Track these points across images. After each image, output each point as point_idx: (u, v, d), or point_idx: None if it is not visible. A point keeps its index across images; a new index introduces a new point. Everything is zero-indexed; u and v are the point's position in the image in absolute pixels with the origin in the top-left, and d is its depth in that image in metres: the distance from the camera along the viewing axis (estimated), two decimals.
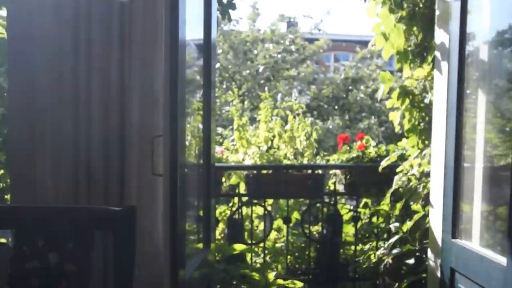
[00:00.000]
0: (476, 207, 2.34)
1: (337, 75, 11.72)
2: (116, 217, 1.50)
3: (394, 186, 3.03)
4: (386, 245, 2.78)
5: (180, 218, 1.79)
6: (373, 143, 3.73)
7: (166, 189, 1.73)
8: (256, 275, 2.46)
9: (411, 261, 2.86)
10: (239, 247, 2.55)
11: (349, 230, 3.84)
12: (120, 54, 1.98)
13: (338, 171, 3.71)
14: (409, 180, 3.03)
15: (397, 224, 2.79)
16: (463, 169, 2.42)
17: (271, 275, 2.51)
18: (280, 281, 2.49)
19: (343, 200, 3.91)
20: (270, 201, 3.95)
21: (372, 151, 3.60)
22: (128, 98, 1.96)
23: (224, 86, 10.75)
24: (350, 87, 11.27)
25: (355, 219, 3.55)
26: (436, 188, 2.63)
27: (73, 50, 1.86)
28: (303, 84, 10.92)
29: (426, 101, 3.09)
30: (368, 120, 10.97)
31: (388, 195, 3.06)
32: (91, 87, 1.86)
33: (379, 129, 11.28)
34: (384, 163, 3.15)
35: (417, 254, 2.87)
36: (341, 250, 3.68)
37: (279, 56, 10.91)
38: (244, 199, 3.53)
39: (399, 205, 2.98)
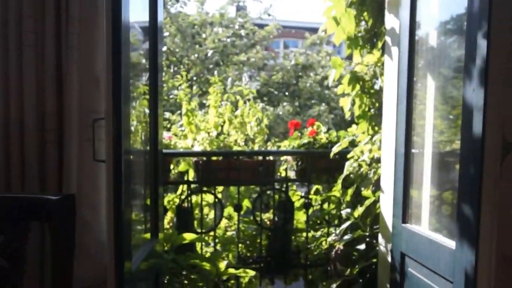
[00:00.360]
0: (425, 192, 2.35)
1: (287, 61, 11.69)
2: (53, 207, 1.38)
3: (345, 172, 3.02)
4: (337, 231, 2.77)
5: (125, 207, 1.68)
6: (323, 129, 3.71)
7: (109, 176, 1.62)
8: (206, 265, 2.39)
9: (362, 246, 2.86)
10: (188, 236, 2.46)
11: (300, 217, 3.82)
12: (56, 31, 1.84)
13: (289, 158, 3.68)
14: (360, 166, 3.02)
15: (348, 210, 2.78)
16: (413, 155, 2.43)
17: (222, 264, 2.44)
18: (231, 270, 2.42)
19: (294, 187, 3.89)
20: (220, 188, 3.88)
21: (323, 137, 3.58)
22: (66, 79, 1.82)
23: (172, 71, 10.52)
24: (300, 74, 11.27)
25: (306, 205, 3.53)
26: (387, 174, 2.63)
27: (1, 25, 1.71)
28: (253, 69, 10.83)
29: (377, 87, 3.09)
30: (318, 107, 11.04)
31: (339, 181, 3.05)
32: (22, 66, 1.72)
33: (329, 116, 11.38)
34: (335, 149, 3.14)
35: (368, 239, 2.88)
36: (293, 237, 3.65)
37: (228, 40, 10.76)
38: (194, 186, 3.44)
39: (350, 191, 2.97)
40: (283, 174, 3.54)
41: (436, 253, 2.00)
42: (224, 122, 3.52)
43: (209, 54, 10.31)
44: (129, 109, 1.86)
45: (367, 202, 2.70)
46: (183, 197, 3.38)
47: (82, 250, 1.98)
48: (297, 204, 3.71)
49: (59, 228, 1.36)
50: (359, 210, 2.72)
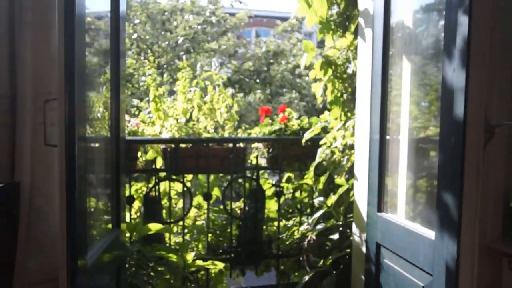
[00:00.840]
0: (401, 180, 2.26)
1: (258, 48, 11.48)
2: None
3: (318, 159, 2.91)
4: (309, 220, 2.66)
5: (79, 196, 1.53)
6: (295, 115, 3.60)
7: (61, 162, 1.46)
8: (173, 257, 2.25)
9: (335, 236, 2.76)
10: (154, 226, 2.32)
11: (272, 206, 3.71)
12: (9, 5, 1.67)
13: (260, 145, 3.56)
14: (333, 153, 2.92)
15: (321, 198, 2.67)
16: (388, 141, 2.33)
17: (190, 256, 2.31)
18: (199, 262, 2.29)
19: (265, 175, 3.77)
20: (189, 177, 3.73)
21: (294, 124, 3.46)
22: (19, 57, 1.65)
23: (142, 58, 10.23)
24: (272, 61, 11.09)
25: (278, 194, 3.42)
26: (360, 161, 2.53)
27: None
28: (224, 57, 10.59)
29: (349, 71, 2.98)
30: (289, 94, 10.90)
31: (311, 168, 2.93)
32: None
33: (301, 104, 11.27)
34: (307, 135, 3.03)
35: (341, 229, 2.78)
36: (264, 227, 3.54)
37: (199, 27, 10.48)
38: (163, 175, 3.29)
39: (322, 179, 2.86)
40: (254, 162, 3.41)
41: (414, 243, 1.91)
42: (192, 108, 3.36)
43: (179, 41, 10.04)
44: (85, 92, 1.70)
45: (340, 190, 2.60)
46: (150, 185, 3.22)
47: (36, 243, 1.82)
48: (268, 192, 3.59)
49: (1, 218, 1.21)
50: (332, 198, 2.62)
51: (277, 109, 3.68)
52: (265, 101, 10.41)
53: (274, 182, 3.72)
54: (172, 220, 3.32)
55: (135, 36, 10.30)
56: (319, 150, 2.92)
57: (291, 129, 3.44)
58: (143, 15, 10.49)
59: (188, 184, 3.74)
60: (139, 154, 3.42)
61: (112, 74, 2.14)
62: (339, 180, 2.79)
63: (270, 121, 3.57)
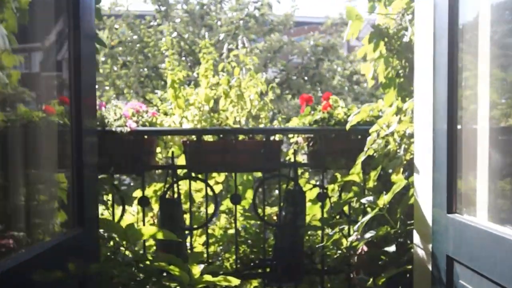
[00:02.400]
0: (481, 173, 1.67)
1: (305, 42, 10.82)
2: None
3: (367, 151, 2.34)
4: (356, 226, 2.09)
5: None
6: (342, 103, 3.04)
7: None
8: (175, 269, 1.75)
9: (392, 248, 2.19)
10: (148, 231, 1.82)
11: (314, 211, 3.17)
12: None
13: (299, 138, 3.02)
14: (386, 142, 2.35)
15: (370, 198, 2.10)
16: (460, 131, 1.76)
17: (196, 269, 1.80)
18: (208, 278, 1.78)
19: (306, 175, 3.22)
20: (221, 177, 3.25)
21: (340, 112, 2.90)
22: None
23: (184, 58, 9.87)
24: (321, 56, 10.41)
25: (321, 196, 2.88)
26: (422, 152, 1.96)
27: None
28: (269, 54, 10.02)
29: (406, 39, 2.41)
30: (343, 97, 10.15)
31: (358, 161, 2.36)
32: None
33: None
34: (352, 119, 2.46)
35: (399, 238, 2.20)
36: (306, 236, 3.00)
37: (241, 22, 9.96)
38: (182, 173, 2.82)
39: (373, 175, 2.30)
40: (292, 159, 2.88)
41: (505, 257, 1.32)
42: (216, 95, 2.88)
43: (221, 38, 9.57)
44: None
45: (396, 188, 2.02)
46: (168, 185, 2.75)
47: None
48: (309, 195, 3.06)
49: None
50: (385, 198, 2.05)
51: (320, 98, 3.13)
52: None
53: (317, 183, 3.18)
54: (194, 226, 2.85)
55: (175, 34, 9.97)
56: (369, 139, 2.36)
57: (336, 119, 2.88)
58: (181, 10, 10.13)
59: (219, 186, 3.27)
60: (158, 149, 2.98)
61: (71, 44, 1.68)
62: (395, 176, 2.22)
63: (312, 112, 3.02)
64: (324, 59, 10.15)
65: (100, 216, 2.75)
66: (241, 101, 2.91)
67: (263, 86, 3.03)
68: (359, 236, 2.32)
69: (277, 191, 2.97)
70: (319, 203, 3.01)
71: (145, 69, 10.21)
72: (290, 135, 3.08)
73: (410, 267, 2.10)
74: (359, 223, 2.06)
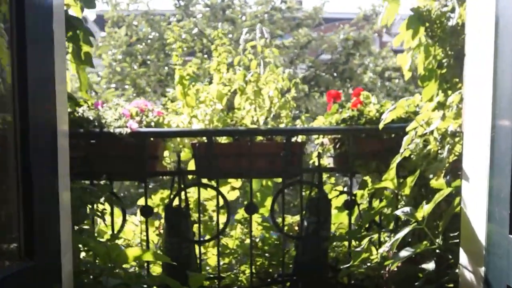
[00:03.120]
0: None
1: (335, 36, 10.34)
2: None
3: (403, 152, 2.03)
4: (389, 243, 1.78)
5: None
6: (374, 99, 2.72)
7: None
8: None
9: (430, 266, 1.88)
10: (133, 252, 1.54)
11: (341, 219, 2.86)
12: None
13: (325, 140, 2.72)
14: (426, 142, 2.03)
15: (406, 209, 1.79)
16: None
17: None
18: None
19: (332, 180, 2.91)
20: (238, 182, 2.97)
21: (372, 110, 2.59)
22: None
23: (206, 56, 9.56)
24: (352, 51, 9.93)
25: (349, 204, 2.57)
26: (473, 154, 1.65)
27: None
28: (296, 50, 9.59)
29: (452, 23, 2.09)
30: (375, 94, 9.66)
31: (393, 165, 2.05)
32: None
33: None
34: (386, 117, 2.15)
35: (440, 255, 1.88)
36: (331, 248, 2.70)
37: (266, 16, 9.53)
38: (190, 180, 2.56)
39: (410, 181, 1.98)
40: (316, 163, 2.58)
41: None
42: (229, 92, 2.59)
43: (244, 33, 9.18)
44: None
45: (438, 197, 1.71)
46: (174, 193, 2.48)
47: None
48: (335, 202, 2.75)
49: None
50: (425, 209, 1.73)
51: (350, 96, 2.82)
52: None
53: (344, 189, 2.87)
54: (206, 238, 2.58)
55: (195, 31, 9.69)
56: (405, 139, 2.04)
57: (368, 117, 2.57)
58: (203, 4, 9.81)
59: (235, 192, 2.99)
60: (167, 153, 2.72)
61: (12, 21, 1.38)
62: (436, 182, 1.90)
63: (339, 110, 2.71)
64: (355, 54, 9.70)
65: (99, 227, 2.53)
66: (258, 98, 2.62)
67: (285, 82, 2.74)
68: (390, 253, 2.01)
69: (299, 199, 2.67)
70: (346, 211, 2.71)
71: (166, 68, 9.95)
72: (315, 136, 2.79)
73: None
74: (393, 239, 1.75)
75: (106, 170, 2.39)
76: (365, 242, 2.15)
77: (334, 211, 2.85)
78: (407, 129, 2.10)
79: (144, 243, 2.50)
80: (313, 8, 10.26)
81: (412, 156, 2.04)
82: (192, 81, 2.66)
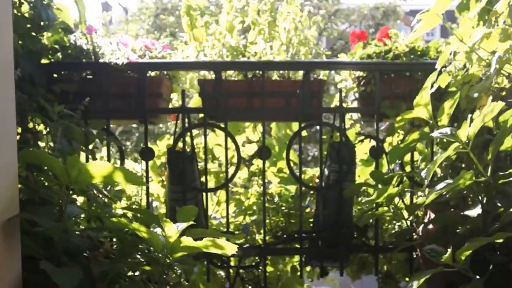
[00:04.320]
0: None
1: (364, 4, 9.63)
2: None
3: (439, 71, 1.60)
4: (424, 171, 1.37)
5: None
6: (403, 36, 2.29)
7: None
8: (142, 230, 1.13)
9: (475, 211, 1.46)
10: (100, 168, 1.16)
11: (368, 175, 2.45)
12: None
13: (348, 82, 2.31)
14: (468, 59, 1.59)
15: (446, 129, 1.36)
16: None
17: (171, 229, 1.15)
18: (187, 242, 1.13)
19: (357, 127, 2.49)
20: (254, 135, 2.60)
21: (401, 45, 2.17)
22: None
23: None
24: (381, 22, 9.23)
25: (376, 151, 2.16)
26: None
27: None
28: (324, 20, 8.89)
29: None
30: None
31: (428, 83, 1.62)
32: None
33: None
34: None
35: (489, 199, 1.46)
36: (356, 206, 2.31)
37: None
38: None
39: (448, 106, 1.55)
40: (337, 103, 2.18)
41: None
42: (241, 23, 2.21)
43: None
44: None
45: (487, 112, 1.28)
46: (177, 135, 2.13)
47: None
48: (361, 152, 2.34)
49: None
50: (471, 127, 1.30)
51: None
52: None
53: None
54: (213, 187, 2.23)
55: None
56: (440, 57, 1.61)
57: (397, 52, 2.15)
58: None
59: (252, 146, 2.63)
60: (174, 96, 2.37)
61: None
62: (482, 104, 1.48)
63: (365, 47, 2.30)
64: (385, 24, 9.07)
65: None
66: (273, 30, 2.24)
67: (304, 18, 2.34)
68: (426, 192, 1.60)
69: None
70: (373, 164, 2.31)
71: None
72: (337, 79, 2.39)
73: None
74: (429, 165, 1.33)
75: (101, 107, 2.06)
76: (395, 180, 1.73)
77: (358, 164, 2.47)
78: (443, 48, 1.68)
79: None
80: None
81: (451, 77, 1.61)
82: (200, 13, 2.30)
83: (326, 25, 8.30)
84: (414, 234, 1.99)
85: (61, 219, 1.19)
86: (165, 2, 9.86)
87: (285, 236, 2.25)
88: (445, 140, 1.95)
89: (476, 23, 1.67)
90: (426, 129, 1.67)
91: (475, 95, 1.41)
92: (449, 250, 1.24)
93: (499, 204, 1.49)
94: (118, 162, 2.15)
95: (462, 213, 1.54)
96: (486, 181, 1.33)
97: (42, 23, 1.98)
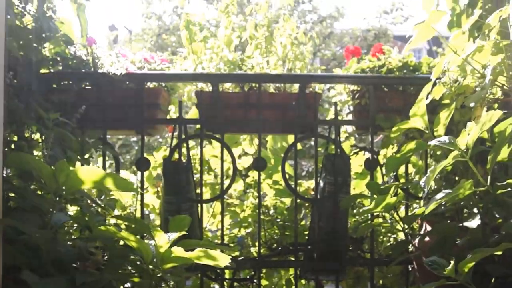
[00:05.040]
0: None
1: (357, 27, 9.61)
2: None
3: (434, 81, 1.51)
4: (423, 180, 1.27)
5: None
6: (396, 52, 2.22)
7: None
8: (131, 239, 1.02)
9: (474, 222, 1.36)
10: (90, 174, 1.06)
11: (362, 187, 2.35)
12: None
13: (343, 96, 2.22)
14: (462, 75, 1.51)
15: (444, 138, 1.26)
16: None
17: (162, 239, 1.04)
18: (178, 253, 1.02)
19: (352, 140, 2.39)
20: (251, 147, 2.51)
21: (394, 59, 2.09)
22: None
23: None
24: (372, 43, 9.20)
25: (370, 163, 2.06)
26: None
27: None
28: (318, 40, 8.81)
29: None
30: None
31: (423, 94, 1.53)
32: None
33: None
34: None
35: (486, 207, 1.36)
36: (351, 218, 2.20)
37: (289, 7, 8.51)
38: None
39: (444, 116, 1.46)
40: (332, 116, 2.08)
41: None
42: (238, 37, 2.12)
43: None
44: None
45: (487, 120, 1.18)
46: (174, 145, 2.02)
47: None
48: (355, 163, 2.25)
49: None
50: (470, 135, 1.21)
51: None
52: None
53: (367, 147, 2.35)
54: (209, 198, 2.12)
55: None
56: (434, 69, 1.52)
57: (390, 66, 2.07)
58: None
59: (248, 158, 2.53)
60: (172, 108, 2.26)
61: None
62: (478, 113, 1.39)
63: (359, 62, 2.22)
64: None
65: None
66: (270, 45, 2.15)
67: (300, 34, 2.26)
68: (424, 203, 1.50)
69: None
70: (368, 177, 2.20)
71: None
72: (332, 94, 2.30)
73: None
74: (429, 173, 1.23)
75: (99, 117, 1.96)
76: (392, 190, 1.62)
77: (353, 178, 2.36)
78: (436, 61, 1.59)
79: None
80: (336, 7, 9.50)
81: (445, 88, 1.52)
82: (200, 28, 2.21)
83: (320, 46, 8.24)
84: (410, 246, 1.88)
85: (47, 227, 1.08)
86: (168, 23, 9.83)
87: (280, 248, 2.13)
88: (438, 153, 1.87)
89: (467, 37, 1.59)
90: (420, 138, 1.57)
91: (472, 104, 1.32)
92: (452, 262, 1.13)
93: (497, 215, 1.39)
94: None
95: (461, 224, 1.44)
96: (486, 191, 1.22)
97: (43, 35, 1.90)
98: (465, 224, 1.39)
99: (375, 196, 1.69)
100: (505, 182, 1.27)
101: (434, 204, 1.20)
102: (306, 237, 2.18)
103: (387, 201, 1.51)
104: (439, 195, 1.20)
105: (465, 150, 1.18)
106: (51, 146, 1.56)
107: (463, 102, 1.36)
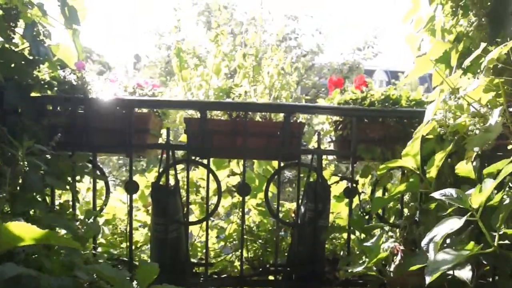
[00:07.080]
0: None
1: (333, 61, 9.26)
2: None
3: (428, 122, 1.14)
4: (426, 240, 0.90)
5: None
6: (377, 87, 1.85)
7: None
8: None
9: (466, 272, 0.98)
10: (28, 231, 0.69)
11: (339, 209, 1.98)
12: None
13: (325, 125, 1.85)
14: (454, 114, 1.14)
15: (450, 191, 0.91)
16: None
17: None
18: None
19: (332, 167, 2.02)
20: (239, 167, 2.11)
21: (377, 92, 1.72)
22: None
23: None
24: (347, 75, 8.83)
25: (349, 192, 1.68)
26: None
27: None
28: (301, 71, 8.44)
29: None
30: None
31: (418, 134, 1.16)
32: None
33: None
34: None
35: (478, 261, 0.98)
36: (329, 240, 1.82)
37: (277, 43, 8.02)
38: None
39: (438, 158, 1.09)
40: (315, 145, 1.71)
41: None
42: (227, 66, 1.75)
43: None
44: None
45: (504, 172, 0.81)
46: (162, 170, 1.63)
47: None
48: (335, 190, 1.87)
49: None
50: (484, 191, 0.84)
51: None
52: None
53: (348, 175, 1.98)
54: (196, 220, 1.72)
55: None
56: (432, 106, 1.15)
57: (372, 99, 1.70)
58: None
59: (236, 178, 2.14)
60: (164, 132, 1.87)
61: None
62: (465, 167, 1.02)
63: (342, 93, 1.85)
64: (349, 77, 8.66)
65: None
66: (257, 74, 1.77)
67: (287, 65, 1.89)
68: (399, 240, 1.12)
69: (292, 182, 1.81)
70: (345, 200, 1.84)
71: None
72: (315, 123, 1.93)
73: None
74: (434, 233, 0.86)
75: (88, 140, 1.57)
76: (377, 233, 1.25)
77: (332, 201, 1.99)
78: (429, 97, 1.23)
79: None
80: (316, 44, 9.14)
81: (439, 129, 1.15)
82: (192, 55, 1.84)
83: (303, 76, 7.88)
84: (383, 272, 1.51)
85: None
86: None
87: (260, 269, 1.75)
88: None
89: (459, 73, 1.22)
90: (412, 178, 1.19)
91: (476, 149, 0.95)
92: None
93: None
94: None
95: (453, 270, 1.06)
96: (494, 251, 0.85)
97: (32, 58, 1.51)
98: (456, 273, 1.01)
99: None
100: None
101: (438, 270, 0.83)
102: (284, 256, 1.81)
103: (380, 257, 1.14)
104: (441, 256, 0.82)
105: (477, 208, 0.81)
106: (24, 176, 1.17)
107: (463, 145, 1.00)
